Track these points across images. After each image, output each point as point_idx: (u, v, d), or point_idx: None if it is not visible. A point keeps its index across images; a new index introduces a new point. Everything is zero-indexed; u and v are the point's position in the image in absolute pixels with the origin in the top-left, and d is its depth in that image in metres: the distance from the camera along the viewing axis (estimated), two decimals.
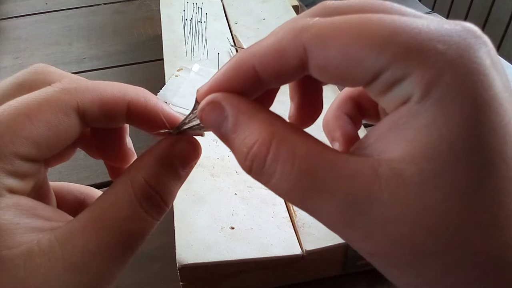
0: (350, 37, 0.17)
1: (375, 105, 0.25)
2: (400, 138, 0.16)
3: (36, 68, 0.22)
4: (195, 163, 0.23)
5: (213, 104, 0.19)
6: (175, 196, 0.22)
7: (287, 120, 0.20)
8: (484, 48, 0.16)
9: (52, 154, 0.21)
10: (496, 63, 0.17)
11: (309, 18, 0.18)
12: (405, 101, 0.16)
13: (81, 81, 0.22)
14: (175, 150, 0.22)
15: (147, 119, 0.22)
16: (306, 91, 0.23)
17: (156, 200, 0.21)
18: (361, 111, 0.25)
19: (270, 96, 0.22)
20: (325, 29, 0.17)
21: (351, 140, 0.24)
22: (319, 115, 0.24)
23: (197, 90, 0.21)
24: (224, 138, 0.19)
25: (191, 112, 0.22)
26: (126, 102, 0.22)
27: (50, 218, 0.20)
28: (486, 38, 0.17)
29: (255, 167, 0.18)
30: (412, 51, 0.16)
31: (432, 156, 0.15)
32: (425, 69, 0.16)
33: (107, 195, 0.21)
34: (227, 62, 0.20)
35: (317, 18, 0.18)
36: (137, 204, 0.20)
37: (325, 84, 0.22)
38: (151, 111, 0.22)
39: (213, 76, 0.20)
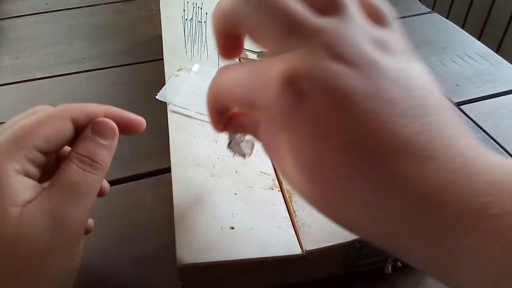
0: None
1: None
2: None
3: (36, 107, 0.33)
4: (116, 137, 0.33)
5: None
6: (107, 157, 0.33)
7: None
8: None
9: (56, 149, 0.32)
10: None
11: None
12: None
13: (71, 104, 0.33)
14: (94, 129, 0.33)
15: (117, 122, 0.34)
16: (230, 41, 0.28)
17: (87, 161, 0.31)
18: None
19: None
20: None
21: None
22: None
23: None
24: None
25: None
26: (103, 112, 0.34)
27: (39, 193, 0.30)
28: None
29: None
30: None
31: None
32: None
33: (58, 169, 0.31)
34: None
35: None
36: (74, 165, 0.31)
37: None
38: (117, 115, 0.34)
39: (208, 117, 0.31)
